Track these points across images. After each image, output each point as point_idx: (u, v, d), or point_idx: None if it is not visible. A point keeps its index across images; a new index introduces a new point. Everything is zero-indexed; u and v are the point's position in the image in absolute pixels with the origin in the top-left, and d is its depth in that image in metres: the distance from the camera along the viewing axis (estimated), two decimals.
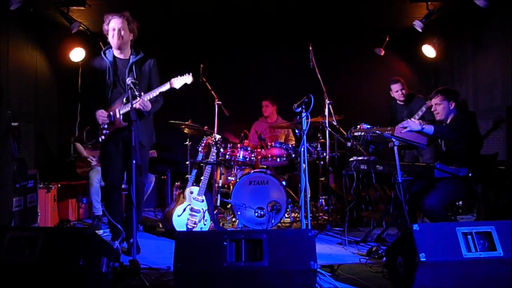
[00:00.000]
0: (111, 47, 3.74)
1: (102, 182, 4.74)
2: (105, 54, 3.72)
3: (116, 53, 3.74)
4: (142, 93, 3.55)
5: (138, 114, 3.45)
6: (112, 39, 3.65)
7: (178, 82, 3.63)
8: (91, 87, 3.77)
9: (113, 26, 3.62)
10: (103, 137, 3.70)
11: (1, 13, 4.87)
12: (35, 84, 5.84)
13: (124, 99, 3.64)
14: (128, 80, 3.45)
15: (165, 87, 3.63)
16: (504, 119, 4.91)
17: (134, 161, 3.21)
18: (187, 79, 3.65)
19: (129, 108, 3.48)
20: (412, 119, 4.06)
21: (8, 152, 4.04)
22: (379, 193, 4.38)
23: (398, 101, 5.37)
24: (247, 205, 4.64)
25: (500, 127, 4.97)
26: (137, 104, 3.49)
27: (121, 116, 3.66)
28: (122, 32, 3.62)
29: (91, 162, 5.19)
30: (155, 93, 3.62)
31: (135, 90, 3.41)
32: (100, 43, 5.47)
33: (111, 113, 3.68)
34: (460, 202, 5.25)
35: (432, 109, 4.02)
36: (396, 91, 5.26)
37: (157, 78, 3.82)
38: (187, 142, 5.43)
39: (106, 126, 3.68)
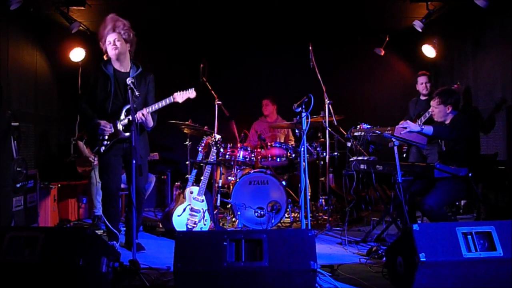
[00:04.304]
0: (111, 61, 3.81)
1: None
2: (105, 66, 3.77)
3: (116, 65, 3.79)
4: (144, 109, 3.69)
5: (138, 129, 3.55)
6: (110, 51, 3.73)
7: (181, 96, 3.78)
8: (90, 98, 3.79)
9: (109, 39, 3.71)
10: (103, 148, 3.75)
11: (1, 13, 4.87)
12: (35, 84, 5.83)
13: (125, 111, 3.73)
14: (128, 80, 3.49)
15: (168, 101, 3.76)
16: (506, 100, 4.87)
17: (134, 161, 3.21)
18: (191, 93, 3.82)
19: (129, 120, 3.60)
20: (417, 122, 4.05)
21: (8, 152, 4.04)
22: (379, 193, 4.38)
23: (421, 96, 5.27)
24: (247, 205, 4.64)
25: (501, 109, 4.93)
26: (138, 116, 3.62)
27: (123, 127, 3.73)
28: (118, 43, 3.70)
29: (93, 161, 5.19)
30: (157, 106, 3.74)
31: (135, 90, 3.44)
32: (100, 43, 5.46)
33: (111, 124, 3.73)
34: (461, 202, 5.25)
35: (430, 110, 4.02)
36: (421, 83, 5.23)
37: (153, 94, 3.92)
38: (187, 142, 5.43)
39: (106, 137, 3.73)
